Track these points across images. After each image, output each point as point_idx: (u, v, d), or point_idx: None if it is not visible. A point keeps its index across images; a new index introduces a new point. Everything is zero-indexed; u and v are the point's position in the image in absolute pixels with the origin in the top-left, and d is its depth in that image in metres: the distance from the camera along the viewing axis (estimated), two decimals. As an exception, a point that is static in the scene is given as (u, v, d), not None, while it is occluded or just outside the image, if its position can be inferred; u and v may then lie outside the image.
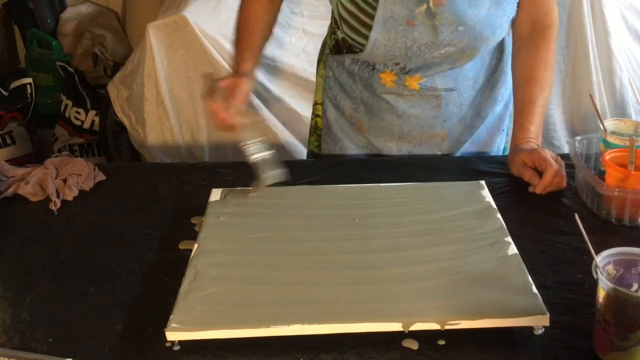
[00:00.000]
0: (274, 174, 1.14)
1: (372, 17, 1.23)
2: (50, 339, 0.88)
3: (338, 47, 1.37)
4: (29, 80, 3.07)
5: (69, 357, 0.83)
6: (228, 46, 2.20)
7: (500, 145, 1.47)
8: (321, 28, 1.54)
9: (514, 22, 1.34)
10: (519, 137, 1.29)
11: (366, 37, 1.25)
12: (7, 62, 3.51)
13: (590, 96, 1.43)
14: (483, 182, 1.17)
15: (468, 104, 1.37)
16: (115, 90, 2.44)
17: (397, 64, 1.29)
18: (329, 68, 1.42)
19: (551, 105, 2.22)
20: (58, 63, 3.04)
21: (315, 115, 1.49)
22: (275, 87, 2.28)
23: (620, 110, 2.23)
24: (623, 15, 2.19)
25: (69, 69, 2.99)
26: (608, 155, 1.13)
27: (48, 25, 3.36)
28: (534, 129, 1.28)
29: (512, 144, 1.30)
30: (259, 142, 1.15)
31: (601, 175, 1.16)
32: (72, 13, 3.41)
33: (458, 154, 1.42)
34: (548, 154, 1.22)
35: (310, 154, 1.52)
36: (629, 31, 2.22)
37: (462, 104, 1.36)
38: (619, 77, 2.19)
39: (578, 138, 1.26)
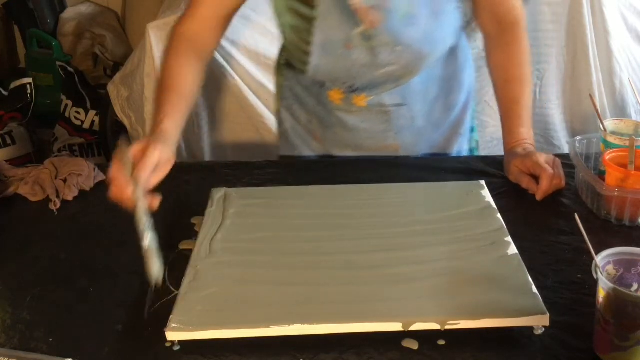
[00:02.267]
0: (157, 270, 0.91)
1: (310, 44, 1.23)
2: (50, 339, 0.88)
3: (289, 64, 1.38)
4: (29, 80, 3.08)
5: (69, 357, 0.83)
6: (228, 46, 2.20)
7: (462, 147, 1.46)
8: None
9: (480, 24, 1.33)
10: (510, 142, 1.28)
11: (307, 63, 1.25)
12: (7, 62, 3.51)
13: (590, 96, 1.43)
14: (483, 182, 1.17)
15: (420, 116, 1.36)
16: (115, 90, 2.44)
17: (344, 82, 1.29)
18: (285, 78, 1.42)
19: (551, 105, 2.22)
20: (58, 63, 3.04)
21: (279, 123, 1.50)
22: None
23: (620, 110, 2.23)
24: (623, 15, 2.19)
25: (69, 69, 2.99)
26: (608, 155, 1.13)
27: (48, 25, 3.36)
28: (523, 130, 1.27)
29: (505, 149, 1.29)
30: (151, 229, 0.92)
31: (601, 175, 1.16)
32: (72, 13, 3.41)
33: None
34: (542, 157, 1.21)
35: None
36: (629, 31, 2.22)
37: (414, 117, 1.35)
38: (619, 77, 2.18)
39: (578, 138, 1.26)
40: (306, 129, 1.43)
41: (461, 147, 1.46)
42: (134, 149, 0.99)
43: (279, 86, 1.45)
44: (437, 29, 1.24)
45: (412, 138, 1.38)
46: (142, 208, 0.93)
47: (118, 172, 0.96)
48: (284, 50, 1.40)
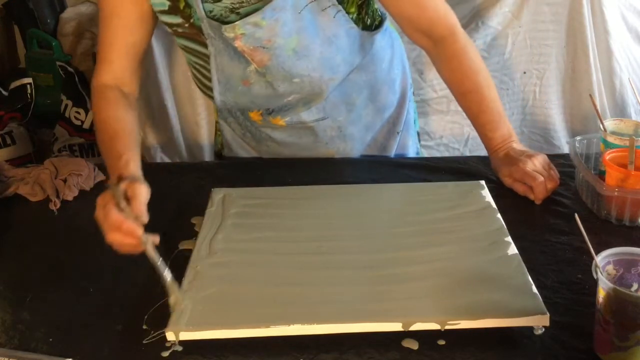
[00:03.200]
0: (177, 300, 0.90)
1: (210, 80, 1.24)
2: (50, 339, 0.88)
3: None
4: (29, 80, 3.07)
5: (69, 357, 0.83)
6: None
7: (407, 143, 1.45)
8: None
9: (413, 41, 1.27)
10: (489, 148, 1.26)
11: (211, 97, 1.26)
12: (7, 62, 3.51)
13: (590, 96, 1.43)
14: (483, 182, 1.17)
15: (347, 125, 1.35)
16: (115, 90, 2.44)
17: (257, 109, 1.29)
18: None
19: (551, 105, 2.22)
20: (58, 63, 3.03)
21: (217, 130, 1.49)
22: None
23: (620, 110, 2.23)
24: (623, 15, 2.19)
25: (69, 69, 2.98)
26: (608, 155, 1.13)
27: (48, 25, 3.35)
28: (498, 134, 1.23)
29: (488, 154, 1.27)
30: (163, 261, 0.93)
31: (601, 175, 1.16)
32: (72, 13, 3.40)
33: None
34: (527, 164, 1.17)
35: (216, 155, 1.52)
36: (629, 31, 2.21)
37: (341, 126, 1.34)
38: (619, 77, 2.18)
39: (578, 138, 1.26)
40: (243, 141, 1.43)
41: (405, 144, 1.45)
42: (120, 192, 0.95)
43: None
44: (335, 53, 1.22)
45: (344, 145, 1.38)
46: (151, 245, 0.92)
47: (121, 217, 0.92)
48: None
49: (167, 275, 0.91)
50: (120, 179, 0.99)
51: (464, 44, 1.23)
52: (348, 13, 1.21)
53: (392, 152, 1.44)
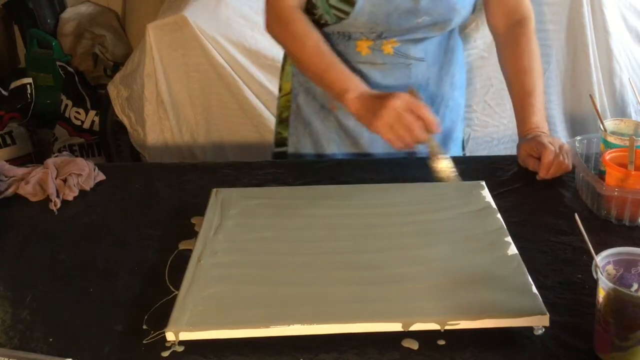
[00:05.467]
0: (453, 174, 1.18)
1: None
2: (50, 339, 0.88)
3: None
4: (29, 80, 3.08)
5: (69, 357, 0.83)
6: (228, 46, 2.20)
7: (459, 135, 1.51)
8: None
9: (490, 22, 1.40)
10: (522, 130, 1.31)
11: (352, 4, 1.25)
12: (7, 62, 3.51)
13: (591, 96, 1.43)
14: (483, 182, 1.17)
15: (433, 79, 1.40)
16: (115, 90, 2.44)
17: (374, 32, 1.30)
18: None
19: (551, 105, 2.22)
20: (58, 63, 3.04)
21: (282, 106, 1.49)
22: (274, 87, 2.28)
23: (620, 110, 2.23)
24: (623, 15, 2.19)
25: (69, 69, 2.99)
26: (608, 155, 1.13)
27: (48, 25, 3.36)
28: (536, 119, 1.30)
29: (519, 138, 1.32)
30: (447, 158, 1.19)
31: (601, 175, 1.16)
32: (72, 13, 3.41)
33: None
34: (546, 139, 1.24)
35: (275, 144, 1.52)
36: (629, 31, 2.22)
37: (429, 77, 1.39)
38: (619, 77, 2.18)
39: (578, 138, 1.26)
40: (321, 103, 1.42)
41: (459, 135, 1.51)
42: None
43: (291, 66, 1.45)
44: None
45: (426, 102, 1.38)
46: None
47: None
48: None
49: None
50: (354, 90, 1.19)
51: (533, 31, 1.36)
52: None
53: (456, 139, 1.50)
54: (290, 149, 1.47)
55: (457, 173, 1.17)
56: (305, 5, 1.31)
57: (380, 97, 1.16)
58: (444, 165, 1.18)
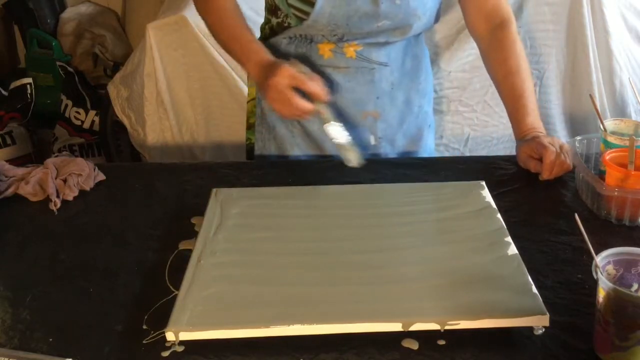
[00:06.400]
0: (355, 157, 1.22)
1: None
2: (50, 339, 0.88)
3: (273, 31, 1.38)
4: (29, 80, 3.07)
5: (69, 357, 0.83)
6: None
7: (427, 142, 1.49)
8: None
9: (471, 28, 1.40)
10: (518, 132, 1.31)
11: (312, 4, 1.25)
12: (7, 62, 3.51)
13: (591, 96, 1.43)
14: (483, 182, 1.17)
15: (397, 84, 1.39)
16: (115, 90, 2.44)
17: (335, 35, 1.30)
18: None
19: (551, 105, 2.22)
20: (58, 63, 3.04)
21: (248, 112, 1.50)
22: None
23: (620, 110, 2.23)
24: (623, 15, 2.19)
25: (69, 69, 2.99)
26: (608, 155, 1.13)
27: (48, 25, 3.36)
28: (529, 120, 1.30)
29: (516, 140, 1.32)
30: (339, 125, 1.22)
31: (601, 175, 1.16)
32: (72, 13, 3.41)
33: (391, 150, 1.43)
34: (546, 139, 1.24)
35: (246, 151, 1.53)
36: (629, 31, 2.22)
37: (393, 82, 1.38)
38: (619, 77, 2.18)
39: (578, 138, 1.26)
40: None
41: (427, 141, 1.49)
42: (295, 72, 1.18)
43: None
44: None
45: (390, 109, 1.40)
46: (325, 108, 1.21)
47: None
48: (267, 23, 1.40)
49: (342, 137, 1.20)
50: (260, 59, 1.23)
51: (516, 32, 1.35)
52: None
53: (423, 146, 1.48)
54: (256, 152, 1.47)
55: (361, 156, 1.22)
56: (270, 8, 1.34)
57: (269, 70, 1.20)
58: (346, 144, 1.22)
